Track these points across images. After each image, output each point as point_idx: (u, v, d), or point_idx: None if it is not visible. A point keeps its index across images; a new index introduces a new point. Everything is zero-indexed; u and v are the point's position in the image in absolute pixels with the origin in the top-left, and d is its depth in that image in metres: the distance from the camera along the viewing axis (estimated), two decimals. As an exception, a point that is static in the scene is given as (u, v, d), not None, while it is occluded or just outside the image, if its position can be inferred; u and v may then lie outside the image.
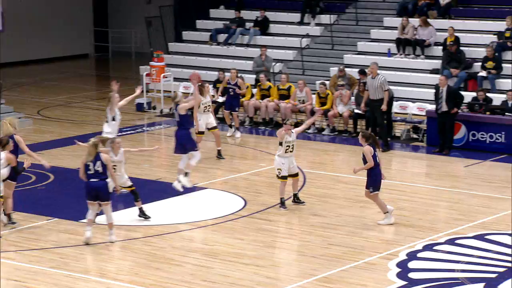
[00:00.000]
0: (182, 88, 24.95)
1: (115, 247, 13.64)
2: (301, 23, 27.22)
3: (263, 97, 22.64)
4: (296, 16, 27.42)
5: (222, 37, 27.44)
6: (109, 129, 16.55)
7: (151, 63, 25.06)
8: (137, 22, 32.84)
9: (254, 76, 24.25)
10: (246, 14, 27.73)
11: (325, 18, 26.89)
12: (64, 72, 30.90)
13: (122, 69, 31.98)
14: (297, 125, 16.63)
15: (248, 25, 27.38)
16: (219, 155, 18.84)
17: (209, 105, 18.77)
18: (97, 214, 14.02)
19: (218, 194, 16.61)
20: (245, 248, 13.66)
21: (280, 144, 15.37)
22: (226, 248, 13.63)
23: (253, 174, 17.90)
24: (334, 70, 23.72)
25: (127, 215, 15.22)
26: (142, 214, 14.81)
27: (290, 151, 15.41)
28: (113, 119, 16.56)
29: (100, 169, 13.47)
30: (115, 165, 14.33)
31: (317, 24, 26.99)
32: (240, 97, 21.76)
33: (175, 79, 25.25)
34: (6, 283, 12.11)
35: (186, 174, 16.26)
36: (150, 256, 13.29)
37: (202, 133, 18.60)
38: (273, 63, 24.59)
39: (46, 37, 32.39)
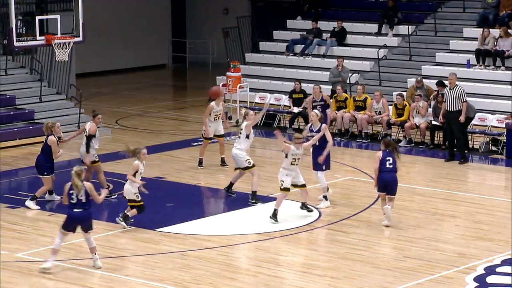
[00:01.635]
0: (258, 98, 25.08)
1: (190, 256, 13.78)
2: (378, 33, 27.11)
3: (339, 108, 22.61)
4: (373, 27, 27.33)
5: (298, 47, 27.51)
6: (242, 146, 16.78)
7: (228, 73, 25.27)
8: (214, 32, 33.14)
9: (330, 87, 24.23)
10: (323, 24, 27.75)
11: (403, 29, 26.73)
12: (141, 82, 31.37)
13: (199, 79, 32.30)
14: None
15: (325, 35, 27.39)
16: (223, 162, 19.14)
17: (220, 114, 19.10)
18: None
19: (292, 204, 16.64)
20: (319, 259, 13.67)
21: (286, 156, 15.38)
22: (300, 259, 13.66)
23: (328, 185, 17.86)
24: (411, 81, 23.55)
25: (200, 225, 15.38)
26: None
27: (296, 164, 15.45)
28: (247, 137, 16.84)
29: (83, 198, 12.96)
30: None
31: (395, 35, 26.85)
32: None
33: (251, 90, 25.41)
34: (83, 290, 12.36)
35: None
36: (224, 265, 13.40)
37: (210, 139, 19.10)
38: (350, 74, 24.55)
39: (124, 47, 32.94)
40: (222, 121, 19.34)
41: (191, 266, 13.36)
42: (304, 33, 27.77)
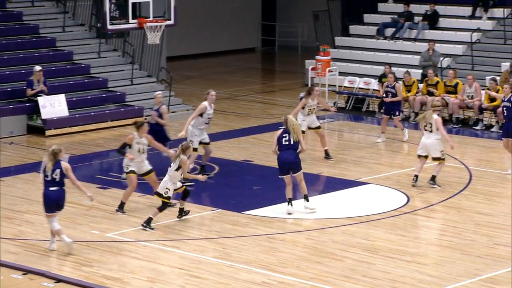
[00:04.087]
0: (347, 82, 24.92)
1: (276, 239, 13.82)
2: (472, 17, 26.60)
3: (429, 92, 22.28)
4: (467, 10, 26.82)
5: (389, 31, 27.21)
6: None
7: (317, 57, 25.18)
8: (304, 16, 33.04)
9: (421, 71, 23.93)
10: (415, 7, 27.37)
11: (498, 12, 26.15)
12: (231, 65, 31.53)
13: (288, 63, 32.29)
14: None
15: (417, 19, 27.02)
16: (327, 155, 18.49)
17: (314, 108, 18.36)
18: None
19: (380, 189, 16.53)
20: (407, 245, 13.53)
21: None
22: (387, 244, 13.55)
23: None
24: (505, 66, 23.06)
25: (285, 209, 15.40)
26: (180, 214, 14.56)
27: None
28: None
29: (57, 177, 12.92)
30: None
31: (489, 18, 26.30)
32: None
33: (340, 74, 25.27)
34: (171, 271, 12.51)
35: None
36: (311, 249, 13.38)
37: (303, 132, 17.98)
38: (441, 58, 24.17)
39: (214, 31, 33.12)
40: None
41: (277, 249, 13.38)
42: (395, 16, 27.44)
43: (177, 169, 14.11)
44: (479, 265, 12.62)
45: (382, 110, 21.23)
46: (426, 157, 16.37)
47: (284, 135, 14.79)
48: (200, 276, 12.28)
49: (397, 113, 20.25)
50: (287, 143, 14.77)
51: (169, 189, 14.13)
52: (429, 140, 16.28)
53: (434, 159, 16.38)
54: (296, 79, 28.07)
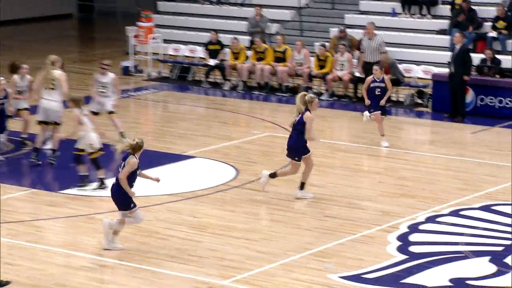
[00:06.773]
0: (172, 50, 24.83)
1: (97, 220, 13.61)
2: (299, -20, 27.04)
3: (258, 60, 22.51)
4: (294, -27, 27.24)
5: (215, -5, 27.30)
6: None
7: (139, 23, 24.94)
8: (124, -21, 32.68)
9: (248, 37, 24.13)
10: (240, -29, 27.55)
11: (323, -24, 26.71)
12: (45, 33, 30.77)
13: (108, 30, 31.85)
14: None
15: (243, -18, 27.22)
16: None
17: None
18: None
19: (207, 163, 16.60)
20: (236, 220, 13.65)
21: None
22: (215, 220, 13.62)
23: (245, 142, 17.88)
24: (334, 31, 23.59)
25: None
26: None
27: None
28: None
29: None
30: None
31: (317, -18, 26.83)
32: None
33: (165, 41, 25.14)
34: (-20, 258, 12.11)
35: None
36: (134, 229, 13.24)
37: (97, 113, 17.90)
38: (269, 24, 24.45)
39: (26, -4, 32.25)
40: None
41: (98, 231, 13.17)
42: (221, -20, 27.55)
43: None
44: (309, 239, 12.88)
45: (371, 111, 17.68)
46: None
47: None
48: (12, 262, 11.93)
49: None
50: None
51: None
52: None
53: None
54: (118, 47, 27.71)
